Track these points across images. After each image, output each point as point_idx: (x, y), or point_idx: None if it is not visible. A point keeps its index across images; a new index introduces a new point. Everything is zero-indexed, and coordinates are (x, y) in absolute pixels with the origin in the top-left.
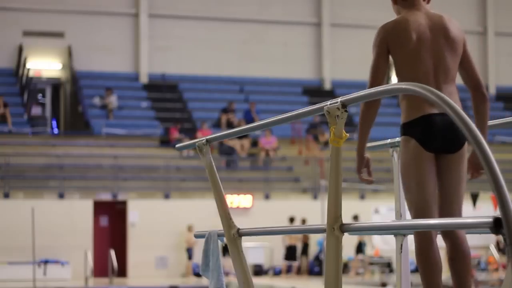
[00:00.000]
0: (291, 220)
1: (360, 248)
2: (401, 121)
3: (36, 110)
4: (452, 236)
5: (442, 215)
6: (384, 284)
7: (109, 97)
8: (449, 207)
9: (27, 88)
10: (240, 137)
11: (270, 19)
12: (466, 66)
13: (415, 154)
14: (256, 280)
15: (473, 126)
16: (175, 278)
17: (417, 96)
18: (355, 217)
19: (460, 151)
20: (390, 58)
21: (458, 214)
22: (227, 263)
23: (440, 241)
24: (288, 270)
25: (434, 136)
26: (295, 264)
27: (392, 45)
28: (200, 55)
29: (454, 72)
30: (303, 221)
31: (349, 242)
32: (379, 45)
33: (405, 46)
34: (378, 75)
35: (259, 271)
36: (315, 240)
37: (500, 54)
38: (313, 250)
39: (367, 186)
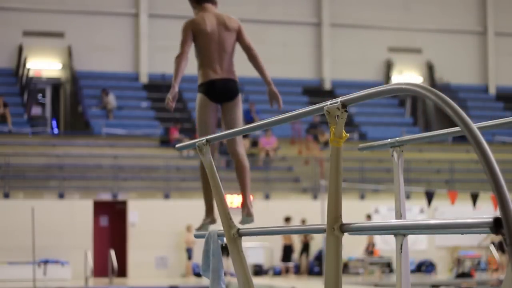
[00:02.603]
0: (287, 219)
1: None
2: (198, 83)
3: (36, 110)
4: (235, 155)
5: (228, 141)
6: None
7: (106, 97)
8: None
9: (27, 88)
10: None
11: (270, 19)
12: (241, 41)
13: (203, 104)
14: (256, 280)
15: (472, 125)
16: (175, 278)
17: (206, 66)
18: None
19: (235, 100)
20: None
21: (238, 139)
22: (227, 263)
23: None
24: (287, 270)
25: (215, 92)
26: (291, 265)
27: (195, 33)
28: None
29: (232, 50)
30: (303, 221)
31: (349, 241)
32: (186, 31)
33: (201, 35)
34: (184, 49)
35: (259, 271)
36: (317, 240)
37: (500, 54)
38: (313, 250)
39: (367, 186)
